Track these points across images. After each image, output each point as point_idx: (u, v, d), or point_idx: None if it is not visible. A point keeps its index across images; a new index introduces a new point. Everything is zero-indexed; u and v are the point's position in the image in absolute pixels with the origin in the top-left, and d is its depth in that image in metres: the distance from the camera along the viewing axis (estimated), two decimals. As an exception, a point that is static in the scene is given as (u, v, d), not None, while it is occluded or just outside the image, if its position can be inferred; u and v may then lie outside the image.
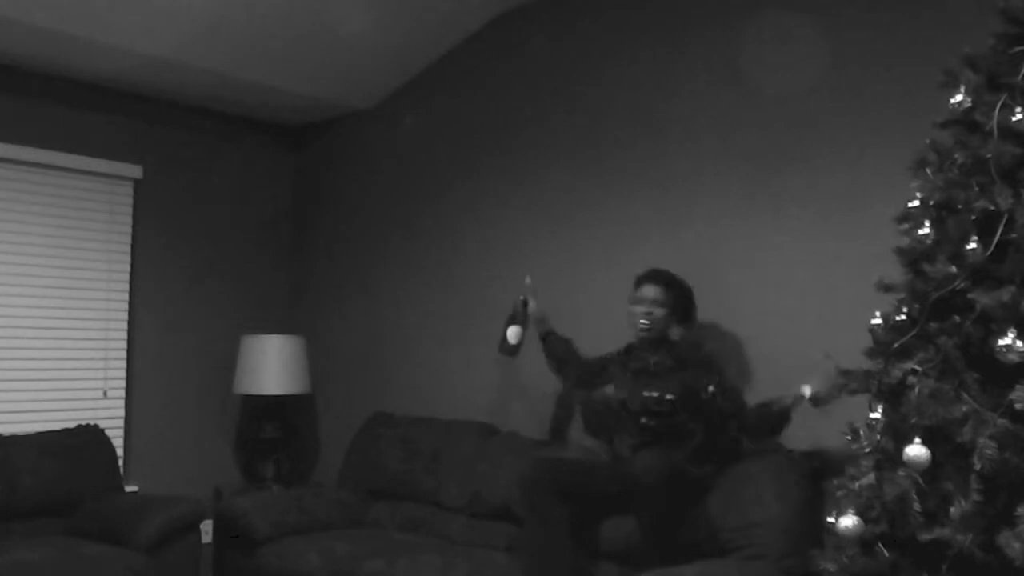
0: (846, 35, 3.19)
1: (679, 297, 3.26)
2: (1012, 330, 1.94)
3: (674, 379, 3.15)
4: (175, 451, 4.62)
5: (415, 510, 3.96)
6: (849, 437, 2.21)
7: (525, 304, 3.62)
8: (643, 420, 3.17)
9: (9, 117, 4.13)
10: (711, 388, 3.09)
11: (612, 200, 3.81)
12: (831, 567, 2.14)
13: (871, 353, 2.25)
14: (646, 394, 3.16)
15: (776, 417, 2.99)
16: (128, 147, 4.52)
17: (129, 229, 4.55)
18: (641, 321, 3.23)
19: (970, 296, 2.04)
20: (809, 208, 3.25)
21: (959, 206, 2.12)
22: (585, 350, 3.56)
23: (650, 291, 3.24)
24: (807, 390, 2.88)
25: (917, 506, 2.01)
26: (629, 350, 3.35)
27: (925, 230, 2.19)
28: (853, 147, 3.15)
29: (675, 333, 3.30)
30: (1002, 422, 1.92)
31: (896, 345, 2.17)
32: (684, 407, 3.12)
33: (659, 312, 3.22)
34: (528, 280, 3.66)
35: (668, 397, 3.12)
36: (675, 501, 2.94)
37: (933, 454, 2.00)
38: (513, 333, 3.58)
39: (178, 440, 4.65)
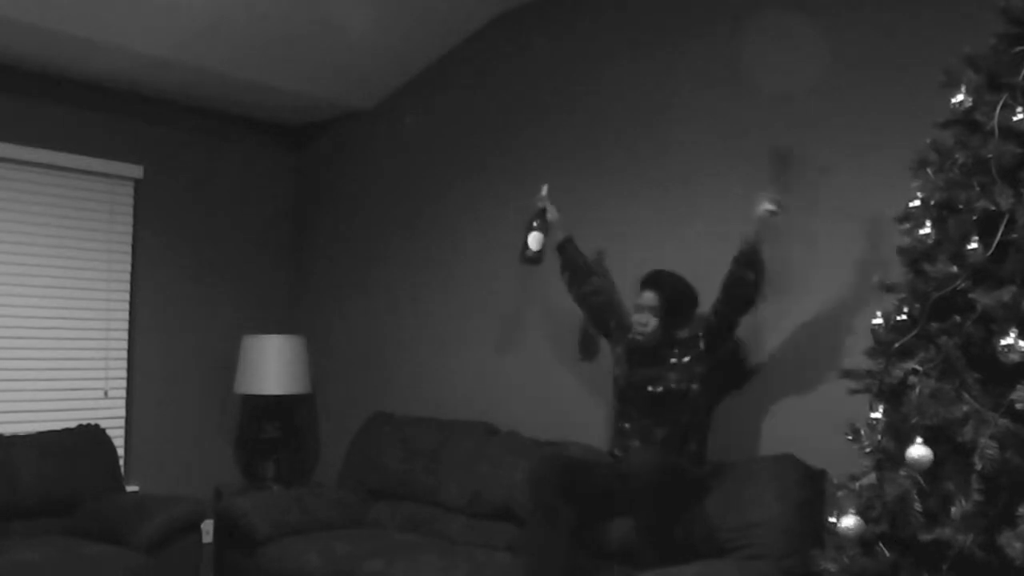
0: (846, 35, 3.19)
1: (677, 302, 3.21)
2: (1013, 330, 1.94)
3: (693, 368, 3.17)
4: (176, 451, 4.62)
5: (415, 510, 3.96)
6: (850, 437, 2.21)
7: (544, 211, 3.52)
8: (650, 388, 3.18)
9: (9, 117, 4.13)
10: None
11: (612, 200, 3.81)
12: (832, 567, 2.14)
13: (872, 353, 2.25)
14: (673, 386, 3.16)
15: (752, 253, 3.02)
16: (128, 147, 4.52)
17: (130, 229, 4.55)
18: (637, 331, 3.22)
19: (971, 296, 2.04)
20: (810, 208, 3.24)
21: (960, 206, 2.12)
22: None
23: (647, 297, 3.20)
24: (766, 204, 2.97)
25: (918, 506, 2.01)
26: (637, 348, 3.30)
27: (926, 230, 2.19)
28: (854, 147, 3.15)
29: (682, 333, 3.25)
30: (1003, 422, 1.92)
31: (897, 345, 2.17)
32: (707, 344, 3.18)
33: (653, 320, 3.18)
34: (545, 188, 3.56)
35: (694, 387, 3.14)
36: (671, 500, 2.94)
37: (934, 454, 2.00)
38: (534, 239, 3.45)
39: (178, 440, 4.65)
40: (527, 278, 4.00)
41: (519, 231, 4.10)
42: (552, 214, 3.53)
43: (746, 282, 3.04)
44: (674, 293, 3.21)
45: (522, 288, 4.07)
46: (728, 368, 3.32)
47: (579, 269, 3.51)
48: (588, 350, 3.79)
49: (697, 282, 3.30)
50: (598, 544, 3.17)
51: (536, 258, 3.48)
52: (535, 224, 3.50)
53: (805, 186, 3.25)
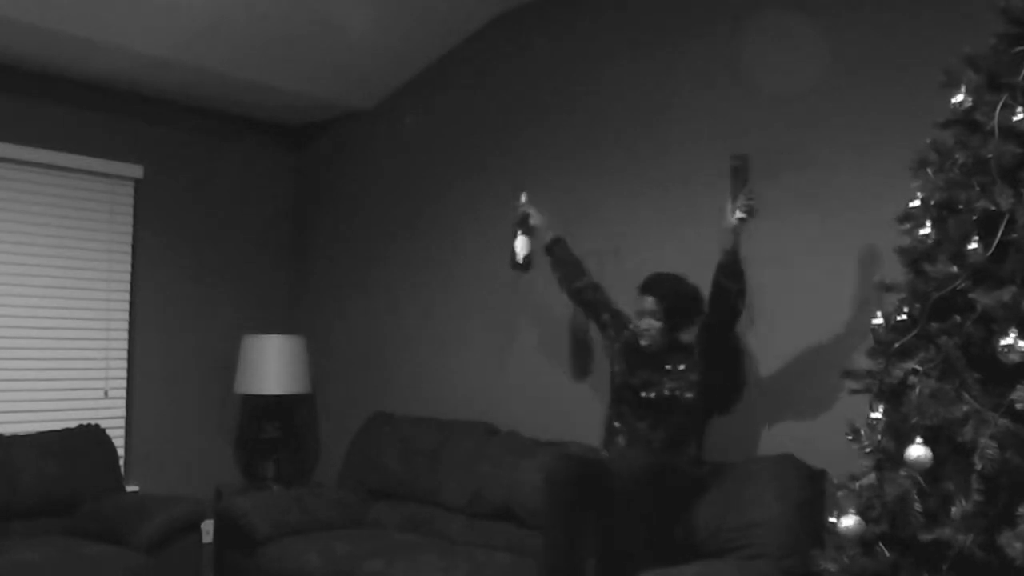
0: (846, 35, 3.19)
1: (676, 305, 3.18)
2: (1013, 330, 1.94)
3: (688, 376, 3.15)
4: (176, 451, 4.62)
5: (415, 510, 3.96)
6: (850, 437, 2.21)
7: (526, 217, 3.51)
8: (643, 394, 3.17)
9: (9, 117, 4.13)
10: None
11: (612, 200, 3.81)
12: (831, 567, 2.14)
13: (872, 353, 2.24)
14: (667, 392, 3.15)
15: (732, 263, 2.98)
16: (128, 147, 4.52)
17: (130, 229, 4.55)
18: (641, 340, 3.20)
19: (971, 296, 2.04)
20: (810, 208, 3.25)
21: (960, 206, 2.12)
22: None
23: (646, 302, 3.18)
24: (736, 215, 2.92)
25: (918, 506, 2.01)
26: (639, 354, 3.27)
27: (926, 230, 2.19)
28: (854, 147, 3.15)
29: (686, 336, 3.22)
30: (1003, 422, 1.92)
31: (897, 345, 2.17)
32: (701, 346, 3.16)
33: (656, 324, 3.16)
34: (524, 196, 3.56)
35: (688, 396, 3.13)
36: (666, 500, 2.93)
37: (934, 454, 2.00)
38: (521, 245, 3.46)
39: (179, 440, 4.65)
40: (527, 279, 4.00)
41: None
42: (536, 219, 3.53)
43: (729, 292, 3.00)
44: (673, 295, 3.18)
45: (522, 288, 4.07)
46: (725, 382, 3.31)
47: (570, 267, 3.50)
48: (581, 369, 3.78)
49: (698, 283, 3.29)
50: (612, 543, 3.16)
51: (525, 264, 3.50)
52: (520, 230, 3.50)
53: (805, 185, 3.26)
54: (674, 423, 3.13)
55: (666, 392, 3.14)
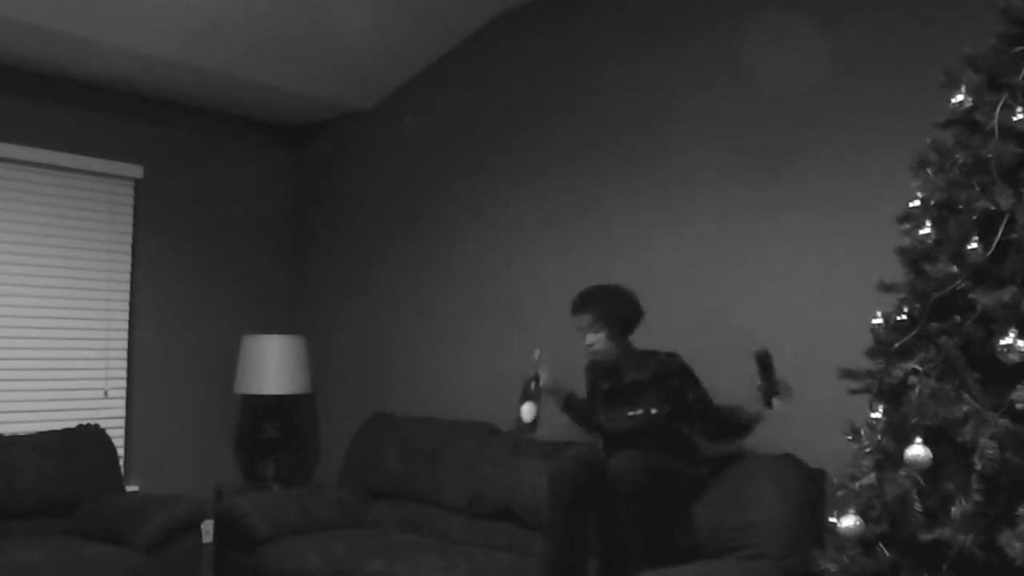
0: (846, 35, 3.19)
1: (612, 312, 3.16)
2: (1013, 330, 1.93)
3: (656, 393, 3.12)
4: (176, 451, 4.62)
5: (415, 510, 3.96)
6: (850, 437, 2.21)
7: (536, 379, 3.29)
8: (629, 437, 3.16)
9: (9, 117, 4.13)
10: (690, 396, 3.09)
11: (612, 200, 3.81)
12: (832, 567, 2.14)
13: (872, 353, 2.24)
14: (631, 414, 3.14)
15: (742, 426, 3.02)
16: (128, 147, 4.52)
17: (130, 229, 4.55)
18: (595, 359, 3.20)
19: (971, 296, 2.03)
20: (810, 208, 3.25)
21: (960, 206, 2.12)
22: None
23: (583, 319, 3.18)
24: (773, 404, 2.90)
25: (918, 506, 2.00)
26: (598, 370, 3.29)
27: (926, 230, 2.18)
28: (854, 147, 3.15)
29: (638, 344, 3.23)
30: (1003, 422, 1.91)
31: (897, 345, 2.16)
32: (673, 417, 3.11)
33: (598, 336, 3.16)
34: (537, 353, 3.32)
35: (653, 411, 3.11)
36: (664, 500, 2.93)
37: (934, 454, 2.00)
38: (527, 411, 3.27)
39: (178, 440, 4.65)
40: (526, 278, 4.01)
41: (518, 231, 4.11)
42: (545, 379, 3.32)
43: (724, 434, 3.09)
44: (603, 303, 3.16)
45: (522, 288, 4.07)
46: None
47: (588, 417, 3.43)
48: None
49: (698, 283, 3.30)
50: (612, 543, 3.15)
51: (531, 428, 3.31)
52: (529, 391, 3.29)
53: (806, 184, 3.26)
54: (651, 442, 3.13)
55: (631, 422, 3.14)
